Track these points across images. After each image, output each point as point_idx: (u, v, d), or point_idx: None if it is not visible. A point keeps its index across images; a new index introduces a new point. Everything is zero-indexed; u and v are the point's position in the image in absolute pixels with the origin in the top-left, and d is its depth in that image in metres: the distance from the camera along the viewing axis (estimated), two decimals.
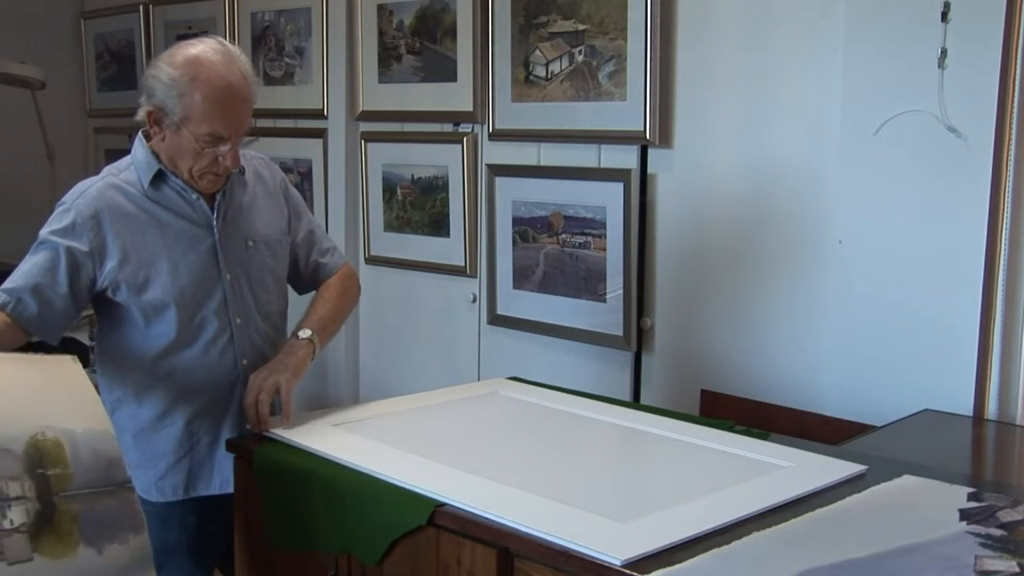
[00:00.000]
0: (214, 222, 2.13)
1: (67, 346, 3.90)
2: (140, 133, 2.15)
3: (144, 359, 2.10)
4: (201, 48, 2.03)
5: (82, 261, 2.03)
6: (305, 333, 2.18)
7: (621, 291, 2.92)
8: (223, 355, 2.14)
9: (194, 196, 2.12)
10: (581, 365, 3.07)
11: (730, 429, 1.98)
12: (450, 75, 3.35)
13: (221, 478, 2.14)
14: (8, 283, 2.02)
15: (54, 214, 2.08)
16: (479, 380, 2.36)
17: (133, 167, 2.13)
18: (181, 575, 2.19)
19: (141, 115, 2.08)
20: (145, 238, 2.08)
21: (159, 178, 2.10)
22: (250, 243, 2.18)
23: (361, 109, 3.66)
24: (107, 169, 2.16)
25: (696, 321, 2.85)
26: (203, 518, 2.18)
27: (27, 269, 2.03)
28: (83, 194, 2.08)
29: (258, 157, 2.31)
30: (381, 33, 3.57)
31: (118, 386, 2.14)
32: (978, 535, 1.45)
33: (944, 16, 2.31)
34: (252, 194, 2.23)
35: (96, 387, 1.78)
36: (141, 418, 2.12)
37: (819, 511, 1.55)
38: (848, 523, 1.51)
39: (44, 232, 2.06)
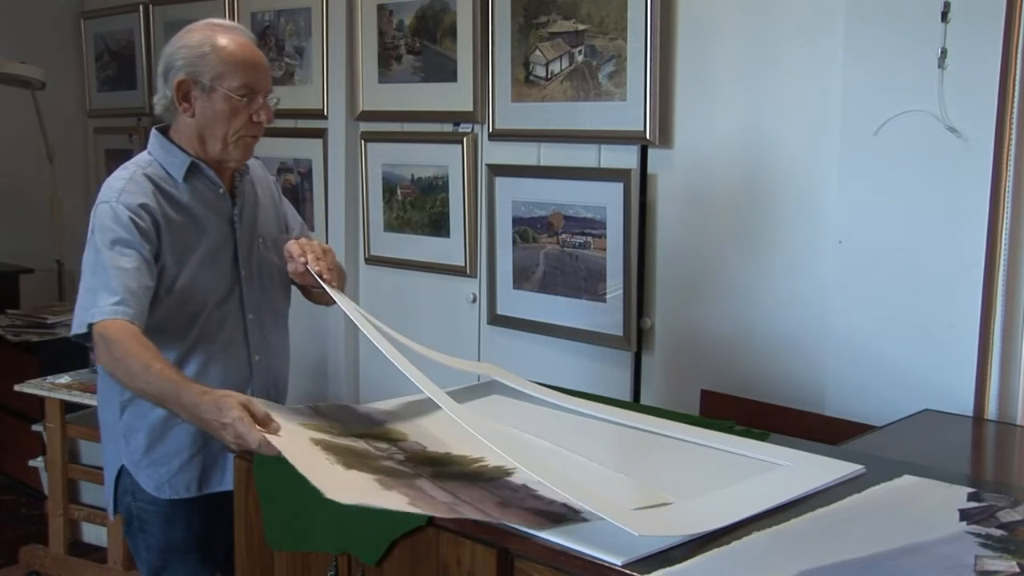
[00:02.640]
0: (235, 217, 2.14)
1: (73, 348, 3.90)
2: (155, 129, 2.13)
3: (162, 354, 2.09)
4: (209, 20, 2.13)
5: (149, 260, 2.00)
6: None
7: (621, 291, 2.92)
8: (237, 351, 2.14)
9: (221, 190, 2.12)
10: (581, 365, 3.07)
11: (730, 429, 1.98)
12: (450, 75, 3.35)
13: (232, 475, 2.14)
14: (116, 292, 1.92)
15: (104, 218, 1.99)
16: (479, 380, 2.35)
17: (156, 162, 2.09)
18: (186, 575, 2.19)
19: (166, 97, 2.06)
20: (182, 232, 2.06)
21: (191, 172, 2.08)
22: (260, 239, 2.20)
23: (361, 109, 3.66)
24: (129, 164, 2.10)
25: (696, 321, 2.85)
26: (209, 516, 2.17)
27: (118, 273, 1.93)
28: (123, 192, 2.02)
29: (253, 159, 2.31)
30: (381, 33, 3.57)
31: None
32: (978, 535, 1.45)
33: (944, 16, 2.31)
34: (255, 193, 2.24)
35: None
36: (154, 416, 2.08)
37: (819, 511, 1.54)
38: (848, 523, 1.50)
39: (106, 237, 1.96)
